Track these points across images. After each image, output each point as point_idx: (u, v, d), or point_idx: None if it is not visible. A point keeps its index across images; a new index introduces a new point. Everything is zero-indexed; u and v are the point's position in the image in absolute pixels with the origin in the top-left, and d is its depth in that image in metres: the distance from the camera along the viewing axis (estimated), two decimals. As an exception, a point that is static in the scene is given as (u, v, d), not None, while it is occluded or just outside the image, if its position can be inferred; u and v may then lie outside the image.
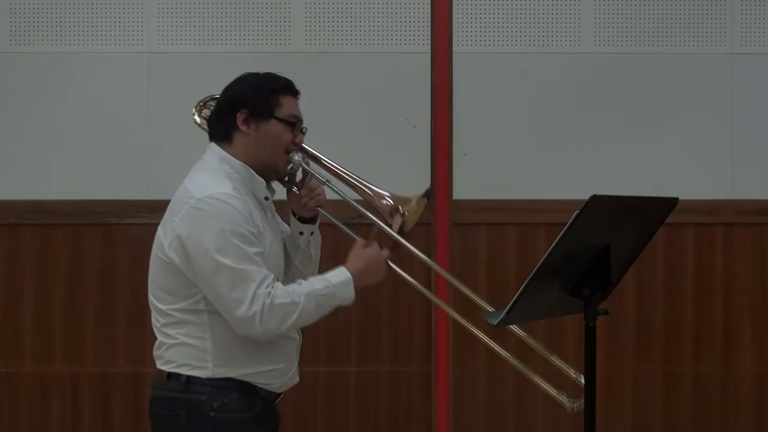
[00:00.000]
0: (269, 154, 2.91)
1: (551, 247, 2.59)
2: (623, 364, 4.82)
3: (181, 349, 2.82)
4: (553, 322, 4.61)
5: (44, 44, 4.76)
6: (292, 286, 2.81)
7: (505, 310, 2.67)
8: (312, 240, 3.05)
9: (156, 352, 2.89)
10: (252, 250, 2.75)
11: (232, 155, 2.89)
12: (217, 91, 3.07)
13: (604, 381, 4.43)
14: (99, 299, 4.77)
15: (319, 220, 3.06)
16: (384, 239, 3.00)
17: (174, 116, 4.57)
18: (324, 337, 4.70)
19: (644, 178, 4.73)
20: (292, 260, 3.05)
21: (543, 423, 4.74)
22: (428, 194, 3.08)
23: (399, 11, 4.80)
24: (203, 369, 2.81)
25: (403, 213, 3.00)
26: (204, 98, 3.19)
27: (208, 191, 2.77)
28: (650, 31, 4.83)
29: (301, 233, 3.03)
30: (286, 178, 3.00)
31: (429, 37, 4.79)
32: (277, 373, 2.89)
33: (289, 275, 3.02)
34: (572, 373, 2.86)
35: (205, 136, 3.00)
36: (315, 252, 3.08)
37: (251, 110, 2.88)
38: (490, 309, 2.92)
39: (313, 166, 3.01)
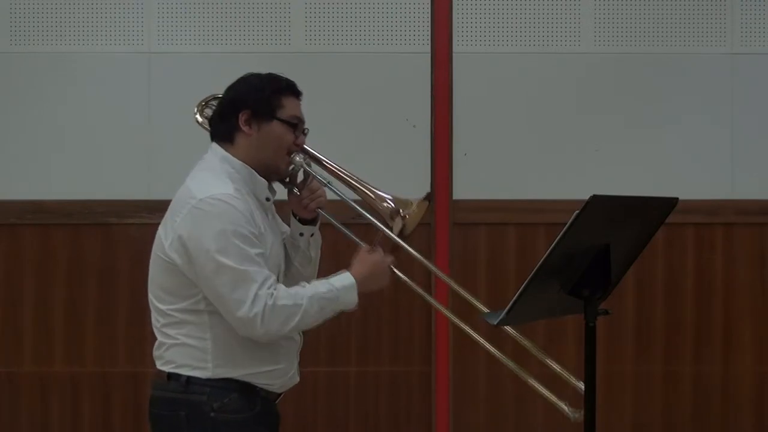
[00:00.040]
0: (271, 155, 2.91)
1: (551, 247, 2.59)
2: (623, 364, 4.82)
3: (181, 349, 2.82)
4: (553, 322, 4.61)
5: (44, 44, 4.76)
6: (295, 289, 2.81)
7: (505, 310, 2.66)
8: (312, 241, 3.05)
9: (156, 353, 2.89)
10: (254, 251, 2.75)
11: (233, 155, 2.89)
12: (217, 91, 3.07)
13: (604, 381, 4.44)
14: (99, 299, 4.77)
15: (319, 222, 3.06)
16: (385, 242, 3.00)
17: (174, 116, 4.58)
18: (324, 337, 4.70)
19: (644, 178, 4.73)
20: (292, 261, 3.05)
21: (543, 423, 4.74)
22: (429, 197, 3.09)
23: (399, 11, 4.80)
24: (203, 369, 2.81)
25: (404, 216, 3.00)
26: (206, 98, 3.19)
27: (210, 192, 2.77)
28: (650, 31, 4.83)
29: (301, 234, 3.03)
30: (287, 179, 3.00)
31: (429, 37, 4.79)
32: (278, 374, 2.89)
33: (288, 276, 3.02)
34: (573, 380, 2.86)
35: (206, 136, 3.00)
36: (315, 253, 3.08)
37: (253, 111, 2.88)
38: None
39: (314, 168, 3.01)
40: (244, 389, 2.83)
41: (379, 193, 3.04)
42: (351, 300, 2.86)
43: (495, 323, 2.72)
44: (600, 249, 2.69)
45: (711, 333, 4.84)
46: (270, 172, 2.93)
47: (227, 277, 2.72)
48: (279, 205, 3.01)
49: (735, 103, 4.83)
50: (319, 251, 3.10)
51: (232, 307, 2.73)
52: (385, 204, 3.02)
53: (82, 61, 4.76)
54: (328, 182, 3.02)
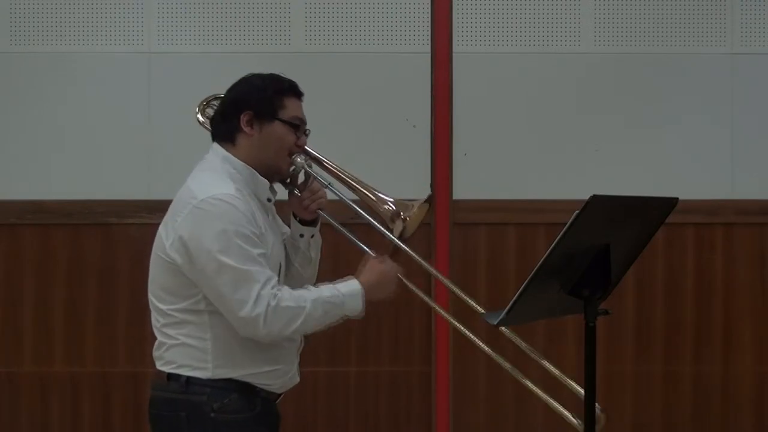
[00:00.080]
0: (272, 156, 2.90)
1: (551, 247, 2.59)
2: (623, 364, 4.82)
3: (181, 349, 2.82)
4: (553, 322, 4.61)
5: (44, 44, 4.76)
6: (299, 291, 2.81)
7: (505, 310, 2.66)
8: (312, 242, 3.05)
9: (156, 353, 2.89)
10: (256, 251, 2.75)
11: (234, 156, 2.88)
12: (217, 91, 3.07)
13: (604, 381, 4.43)
14: (99, 299, 4.77)
15: (320, 223, 3.06)
16: (385, 245, 3.00)
17: (174, 116, 4.58)
18: (324, 337, 4.67)
19: (644, 178, 4.73)
20: (292, 262, 3.05)
21: (543, 423, 4.73)
22: (430, 200, 3.09)
23: (399, 11, 4.80)
24: (203, 370, 2.80)
25: (405, 218, 3.00)
26: (207, 97, 3.19)
27: (211, 192, 2.77)
28: (650, 31, 4.83)
29: (301, 235, 3.03)
30: (288, 180, 2.99)
31: (429, 37, 4.79)
32: (278, 374, 2.89)
33: (288, 277, 3.02)
34: (574, 385, 2.86)
35: (206, 136, 3.00)
36: (315, 254, 3.07)
37: (255, 112, 2.88)
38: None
39: (315, 169, 3.01)
40: (245, 389, 2.83)
41: (380, 195, 3.04)
42: (356, 307, 2.86)
43: (495, 323, 2.72)
44: (600, 249, 2.68)
45: (711, 333, 4.84)
46: (271, 173, 2.92)
47: (229, 277, 2.71)
48: (279, 206, 3.01)
49: (735, 103, 4.83)
50: (320, 252, 3.10)
51: (234, 307, 2.72)
52: (386, 207, 3.02)
53: (82, 61, 4.76)
54: (329, 183, 3.02)
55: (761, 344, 4.85)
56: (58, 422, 4.77)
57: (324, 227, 3.07)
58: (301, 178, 3.00)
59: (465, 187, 4.78)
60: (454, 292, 3.11)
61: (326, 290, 2.84)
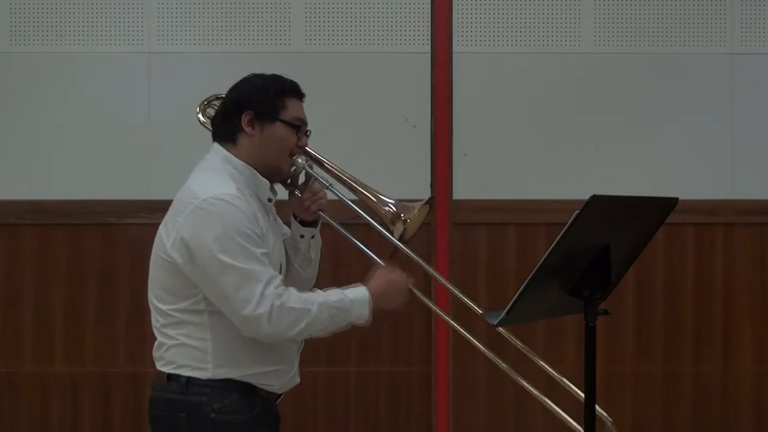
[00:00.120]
0: (273, 157, 2.90)
1: (551, 247, 2.59)
2: (623, 364, 4.82)
3: (181, 349, 2.82)
4: (553, 322, 4.61)
5: (44, 44, 4.76)
6: (307, 294, 2.82)
7: (505, 310, 2.66)
8: (312, 243, 3.05)
9: (156, 353, 2.89)
10: (258, 250, 2.75)
11: (235, 156, 2.88)
12: (218, 91, 3.07)
13: (604, 381, 4.43)
14: (99, 299, 4.77)
15: (320, 224, 3.06)
16: (385, 245, 3.00)
17: (174, 116, 4.59)
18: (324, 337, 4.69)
19: (644, 178, 4.73)
20: (292, 262, 3.05)
21: (543, 423, 4.73)
22: (430, 202, 3.09)
23: (399, 11, 4.80)
24: (203, 370, 2.80)
25: (405, 220, 3.00)
26: (208, 97, 3.19)
27: (212, 192, 2.77)
28: (650, 31, 4.83)
29: (301, 236, 3.03)
30: (289, 181, 2.99)
31: (429, 37, 4.79)
32: (278, 374, 2.89)
33: (288, 277, 3.01)
34: (573, 388, 2.86)
35: (206, 136, 3.00)
36: (315, 255, 3.07)
37: (257, 112, 2.88)
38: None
39: (316, 170, 3.01)
40: (245, 390, 2.82)
41: (381, 197, 3.03)
42: (363, 314, 2.84)
43: (495, 323, 2.72)
44: (600, 249, 2.69)
45: (711, 333, 4.84)
46: (272, 174, 2.92)
47: (231, 277, 2.71)
48: (279, 207, 3.01)
49: (735, 103, 4.83)
50: (320, 253, 3.10)
51: (237, 306, 2.72)
52: (387, 208, 3.02)
53: (82, 61, 4.76)
54: (330, 184, 3.02)
55: (761, 344, 4.85)
56: (58, 422, 4.77)
57: (324, 228, 3.07)
58: (301, 178, 3.00)
59: (465, 187, 4.78)
60: (453, 294, 3.11)
61: (334, 295, 2.83)
